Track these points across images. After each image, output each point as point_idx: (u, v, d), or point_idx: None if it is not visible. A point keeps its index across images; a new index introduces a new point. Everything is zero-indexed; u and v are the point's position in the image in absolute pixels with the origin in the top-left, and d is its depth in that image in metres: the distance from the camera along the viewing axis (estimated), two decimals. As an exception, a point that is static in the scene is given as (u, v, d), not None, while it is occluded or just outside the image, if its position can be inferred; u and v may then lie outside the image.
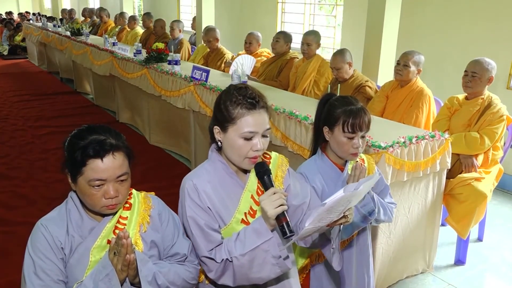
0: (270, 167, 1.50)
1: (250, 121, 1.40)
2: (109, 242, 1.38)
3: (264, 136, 1.44)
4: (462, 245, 3.00)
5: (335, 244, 1.57)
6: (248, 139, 1.41)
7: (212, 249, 1.43)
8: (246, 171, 1.52)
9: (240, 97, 1.42)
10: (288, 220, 1.37)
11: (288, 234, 1.35)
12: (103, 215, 1.41)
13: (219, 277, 1.44)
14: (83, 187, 1.33)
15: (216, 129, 1.47)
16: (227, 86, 1.52)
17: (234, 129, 1.41)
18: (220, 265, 1.42)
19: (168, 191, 3.74)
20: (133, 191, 1.51)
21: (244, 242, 1.40)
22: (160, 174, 4.27)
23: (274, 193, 1.37)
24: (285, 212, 1.37)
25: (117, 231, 1.39)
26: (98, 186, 1.32)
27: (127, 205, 1.46)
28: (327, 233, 1.58)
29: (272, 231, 1.40)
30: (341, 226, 1.54)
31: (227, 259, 1.41)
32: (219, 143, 1.48)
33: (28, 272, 1.34)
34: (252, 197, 1.51)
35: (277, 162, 1.61)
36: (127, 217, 1.44)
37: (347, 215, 1.44)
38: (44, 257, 1.35)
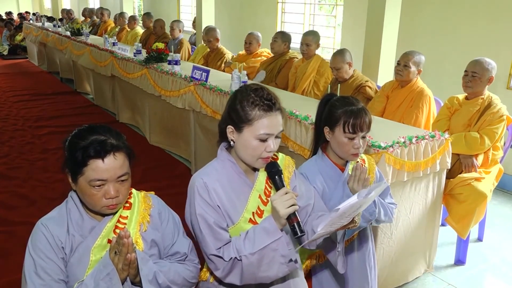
0: None
1: (266, 123, 1.41)
2: (109, 241, 1.38)
3: (277, 137, 1.45)
4: (462, 245, 3.00)
5: (340, 247, 1.58)
6: (263, 140, 1.42)
7: (220, 247, 1.43)
8: (254, 170, 1.53)
9: (257, 98, 1.42)
10: (299, 220, 1.38)
11: (299, 234, 1.36)
12: (103, 215, 1.42)
13: (226, 275, 1.44)
14: (83, 187, 1.33)
15: (230, 128, 1.46)
16: (241, 86, 1.52)
17: (250, 130, 1.42)
18: (228, 263, 1.42)
19: (168, 191, 3.78)
20: (133, 190, 1.51)
21: (253, 241, 1.41)
22: (160, 174, 4.27)
23: (286, 193, 1.38)
24: (296, 212, 1.37)
25: (117, 230, 1.39)
26: (99, 186, 1.33)
27: (127, 205, 1.47)
28: (333, 236, 1.59)
29: (281, 230, 1.41)
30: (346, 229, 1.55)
31: (235, 257, 1.41)
32: (231, 143, 1.48)
33: (28, 272, 1.34)
34: (259, 197, 1.52)
35: (284, 163, 1.61)
36: (127, 216, 1.45)
37: (355, 220, 1.46)
38: (45, 256, 1.35)
